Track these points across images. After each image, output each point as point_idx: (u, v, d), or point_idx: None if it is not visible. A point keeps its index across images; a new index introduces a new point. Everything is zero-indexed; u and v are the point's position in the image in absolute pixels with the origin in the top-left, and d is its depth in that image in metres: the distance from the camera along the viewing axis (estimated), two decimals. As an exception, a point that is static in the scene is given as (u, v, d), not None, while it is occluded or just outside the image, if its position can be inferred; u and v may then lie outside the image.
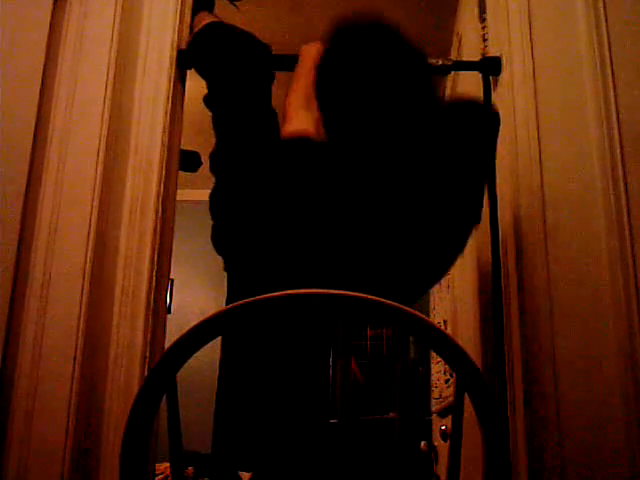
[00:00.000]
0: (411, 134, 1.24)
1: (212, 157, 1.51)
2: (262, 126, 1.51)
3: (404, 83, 1.27)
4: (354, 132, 1.28)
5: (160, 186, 1.50)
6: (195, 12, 1.78)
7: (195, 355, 0.82)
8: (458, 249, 1.32)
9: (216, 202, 1.46)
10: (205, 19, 1.74)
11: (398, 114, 1.25)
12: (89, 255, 1.37)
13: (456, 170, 1.25)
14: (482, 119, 1.30)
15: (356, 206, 1.24)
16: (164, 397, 0.84)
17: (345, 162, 1.26)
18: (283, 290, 0.83)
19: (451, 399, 2.10)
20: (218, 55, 1.60)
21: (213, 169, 1.50)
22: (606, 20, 1.53)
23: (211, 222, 1.46)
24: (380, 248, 1.22)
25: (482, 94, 1.73)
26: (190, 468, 3.40)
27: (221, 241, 1.43)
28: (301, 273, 1.22)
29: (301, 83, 1.49)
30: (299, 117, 1.39)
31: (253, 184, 1.37)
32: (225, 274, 1.41)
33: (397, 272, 1.23)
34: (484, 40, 1.81)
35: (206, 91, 1.60)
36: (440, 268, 1.35)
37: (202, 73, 1.65)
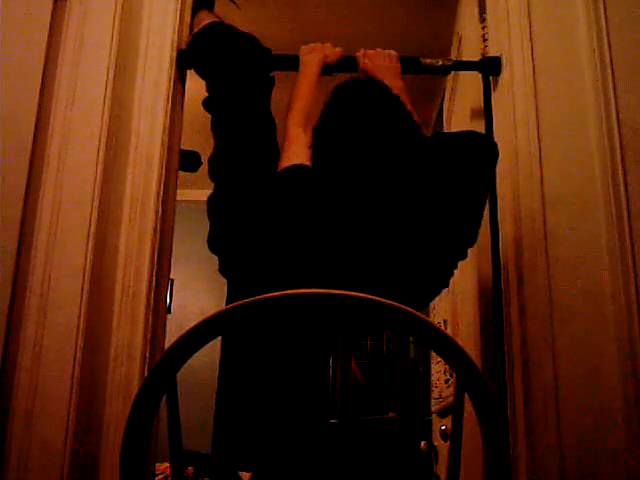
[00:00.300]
0: (404, 171, 1.27)
1: (211, 162, 1.51)
2: (260, 131, 1.51)
3: (394, 133, 1.30)
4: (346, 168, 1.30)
5: (160, 186, 1.50)
6: (195, 11, 1.78)
7: (195, 355, 0.82)
8: (449, 271, 1.31)
9: (214, 206, 1.46)
10: (205, 19, 1.74)
11: (389, 159, 1.28)
12: (89, 255, 1.37)
13: (451, 199, 1.26)
14: (480, 150, 1.31)
15: (350, 223, 1.24)
16: (164, 397, 0.84)
17: (338, 192, 1.28)
18: (282, 291, 0.83)
19: (451, 399, 2.10)
20: (218, 56, 1.60)
21: (212, 174, 1.50)
22: (606, 20, 1.54)
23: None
24: (374, 265, 1.22)
25: (482, 94, 1.74)
26: (190, 468, 3.40)
27: (218, 243, 1.43)
28: (297, 277, 1.22)
29: (302, 100, 1.48)
30: (299, 142, 1.39)
31: (251, 192, 1.38)
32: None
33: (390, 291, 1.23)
34: (484, 40, 1.81)
35: (206, 93, 1.60)
36: (430, 291, 1.34)
37: (202, 73, 1.65)
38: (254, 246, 1.30)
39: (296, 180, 1.32)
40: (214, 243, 1.44)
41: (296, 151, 1.37)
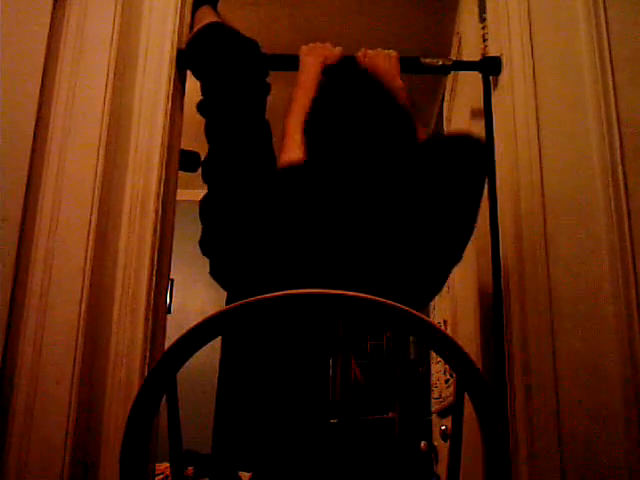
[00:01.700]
0: (394, 167, 1.29)
1: (205, 165, 1.51)
2: (255, 135, 1.51)
3: (383, 122, 1.33)
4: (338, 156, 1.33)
5: (160, 186, 1.50)
6: (197, 7, 1.77)
7: (195, 355, 0.82)
8: (444, 274, 1.31)
9: (207, 209, 1.46)
10: (205, 18, 1.74)
11: (379, 149, 1.31)
12: (89, 255, 1.37)
13: (442, 201, 1.26)
14: (471, 152, 1.31)
15: (346, 221, 1.25)
16: (164, 397, 0.84)
17: (332, 183, 1.29)
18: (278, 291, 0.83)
19: (451, 399, 2.10)
20: (213, 60, 1.60)
21: (205, 177, 1.49)
22: (606, 20, 1.54)
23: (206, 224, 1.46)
24: (368, 268, 1.23)
25: (482, 94, 1.74)
26: (190, 468, 3.40)
27: (210, 246, 1.43)
28: (291, 280, 1.22)
29: (301, 101, 1.48)
30: (295, 141, 1.40)
31: (246, 196, 1.38)
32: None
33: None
34: (484, 40, 1.81)
35: (201, 96, 1.60)
36: (425, 293, 1.34)
37: (197, 75, 1.65)
38: (247, 249, 1.30)
39: (292, 179, 1.32)
40: (206, 246, 1.44)
41: (292, 146, 1.39)
